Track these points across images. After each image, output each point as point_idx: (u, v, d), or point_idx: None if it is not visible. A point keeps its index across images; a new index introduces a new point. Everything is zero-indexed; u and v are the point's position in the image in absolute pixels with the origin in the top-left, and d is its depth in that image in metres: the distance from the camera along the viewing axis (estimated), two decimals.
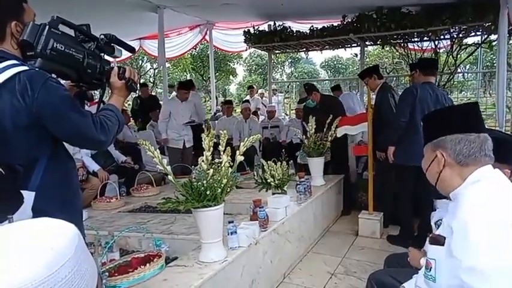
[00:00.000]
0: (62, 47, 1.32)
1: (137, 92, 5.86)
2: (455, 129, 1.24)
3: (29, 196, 1.26)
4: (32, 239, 0.56)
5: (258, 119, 7.48)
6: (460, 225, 1.09)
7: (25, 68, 1.25)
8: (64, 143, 1.45)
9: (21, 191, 1.25)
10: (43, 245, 0.54)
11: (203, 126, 5.51)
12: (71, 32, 1.43)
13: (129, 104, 8.01)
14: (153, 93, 9.53)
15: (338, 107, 4.59)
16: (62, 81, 1.42)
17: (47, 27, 1.29)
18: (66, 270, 0.53)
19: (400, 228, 3.60)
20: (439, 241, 1.18)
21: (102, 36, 1.50)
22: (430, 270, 1.20)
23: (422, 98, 3.33)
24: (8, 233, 0.58)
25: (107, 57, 1.55)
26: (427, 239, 1.34)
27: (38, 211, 1.24)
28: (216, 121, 7.30)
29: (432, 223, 1.80)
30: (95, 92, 1.72)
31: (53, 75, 1.33)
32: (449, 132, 1.24)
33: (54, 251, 0.53)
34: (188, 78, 17.90)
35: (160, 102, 7.48)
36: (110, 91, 1.57)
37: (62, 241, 0.56)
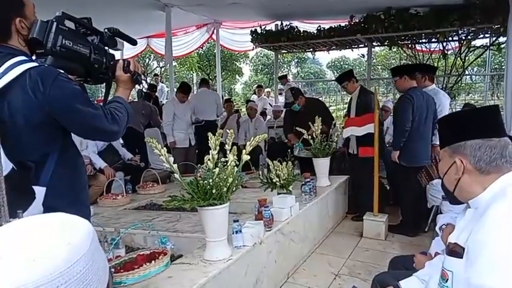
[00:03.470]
0: (70, 44, 1.34)
1: (141, 85, 5.92)
2: (475, 134, 1.16)
3: (40, 192, 1.28)
4: (49, 233, 0.57)
5: (265, 118, 7.48)
6: (482, 240, 1.03)
7: (35, 64, 1.27)
8: (73, 140, 1.47)
9: (33, 187, 1.27)
10: (60, 240, 0.55)
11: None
12: (72, 25, 1.44)
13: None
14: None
15: (321, 107, 4.81)
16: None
17: (55, 24, 1.30)
18: (81, 264, 0.54)
19: (400, 220, 3.84)
20: (458, 253, 1.12)
21: (106, 30, 1.51)
22: (447, 281, 1.15)
23: (418, 104, 3.58)
24: (26, 227, 0.59)
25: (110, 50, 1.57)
26: (444, 247, 1.29)
27: (49, 207, 1.26)
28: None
29: (437, 228, 1.80)
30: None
31: (62, 71, 1.35)
32: (468, 137, 1.16)
33: (70, 246, 0.54)
34: (196, 76, 17.96)
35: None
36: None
37: (78, 236, 0.57)
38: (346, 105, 5.30)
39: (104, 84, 1.59)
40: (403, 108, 3.61)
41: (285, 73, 8.85)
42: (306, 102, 4.68)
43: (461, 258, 1.10)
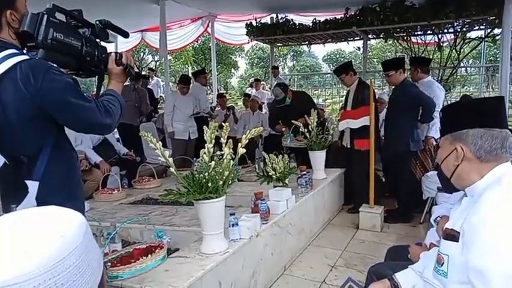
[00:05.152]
0: (61, 36, 1.32)
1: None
2: (478, 123, 1.18)
3: (33, 186, 1.27)
4: (42, 226, 0.56)
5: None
6: (476, 224, 1.06)
7: (26, 57, 1.25)
8: (67, 134, 1.46)
9: (26, 181, 1.26)
10: (52, 232, 0.55)
11: (208, 119, 5.62)
12: (63, 18, 1.42)
13: None
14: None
15: (309, 99, 4.92)
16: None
17: (46, 16, 1.28)
18: (74, 257, 0.54)
19: (398, 207, 3.95)
20: (454, 237, 1.15)
21: (97, 22, 1.50)
22: (442, 265, 1.18)
23: None
24: (18, 220, 0.59)
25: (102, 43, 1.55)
26: (441, 233, 1.32)
27: (42, 201, 1.25)
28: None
29: (432, 220, 1.81)
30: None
31: (54, 64, 1.33)
32: (471, 125, 1.19)
33: (63, 238, 0.54)
34: (191, 70, 17.88)
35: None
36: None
37: (71, 229, 0.56)
38: (342, 99, 5.30)
39: (96, 77, 1.57)
40: (422, 92, 3.74)
41: (277, 65, 8.79)
42: (293, 95, 4.74)
43: (457, 241, 1.14)
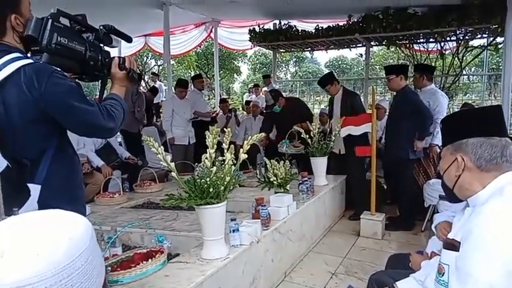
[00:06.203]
0: (65, 41, 1.33)
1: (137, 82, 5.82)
2: (477, 132, 1.19)
3: (35, 189, 1.27)
4: (50, 229, 0.57)
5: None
6: (477, 233, 1.07)
7: (29, 61, 1.26)
8: (69, 138, 1.47)
9: (28, 185, 1.26)
10: (61, 235, 0.55)
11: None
12: (67, 22, 1.43)
13: None
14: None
15: (301, 106, 5.01)
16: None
17: (50, 21, 1.29)
18: (82, 259, 0.55)
19: (399, 215, 3.96)
20: (455, 246, 1.14)
21: (101, 27, 1.51)
22: (443, 275, 1.16)
23: None
24: (26, 222, 0.59)
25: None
26: (441, 242, 1.33)
27: (44, 204, 1.26)
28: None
29: (433, 227, 1.80)
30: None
31: (57, 68, 1.34)
32: (470, 135, 1.19)
33: (71, 241, 0.55)
34: (193, 75, 17.90)
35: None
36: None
37: (78, 231, 0.57)
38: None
39: (100, 81, 1.58)
40: (421, 101, 3.74)
41: (268, 73, 8.76)
42: (286, 102, 4.76)
43: (458, 251, 1.13)
